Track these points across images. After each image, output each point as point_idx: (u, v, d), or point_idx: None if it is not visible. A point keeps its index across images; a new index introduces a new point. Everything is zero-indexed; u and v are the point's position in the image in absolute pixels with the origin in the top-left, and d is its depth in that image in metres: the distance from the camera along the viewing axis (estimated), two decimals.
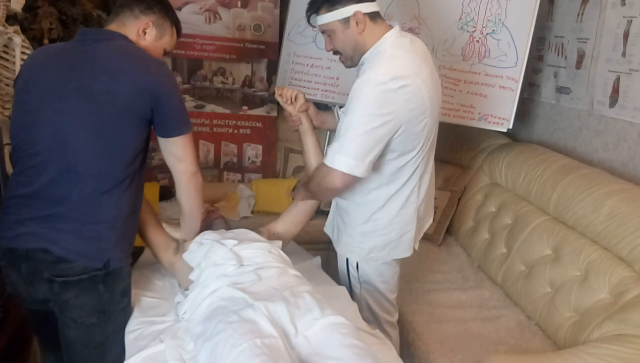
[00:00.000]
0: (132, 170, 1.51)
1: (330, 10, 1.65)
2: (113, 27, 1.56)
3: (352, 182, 1.64)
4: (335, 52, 1.75)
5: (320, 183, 1.67)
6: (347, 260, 1.89)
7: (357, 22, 1.63)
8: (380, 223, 1.78)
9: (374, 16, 1.66)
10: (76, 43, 1.51)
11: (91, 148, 1.44)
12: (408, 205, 1.78)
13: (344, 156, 1.57)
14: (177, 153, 1.57)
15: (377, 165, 1.68)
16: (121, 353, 1.55)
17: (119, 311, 1.57)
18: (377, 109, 1.55)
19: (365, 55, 1.67)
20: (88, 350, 1.56)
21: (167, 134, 1.54)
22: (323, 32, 1.72)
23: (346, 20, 1.63)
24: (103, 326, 1.55)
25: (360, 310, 1.85)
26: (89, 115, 1.43)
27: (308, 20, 1.76)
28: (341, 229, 1.88)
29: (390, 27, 1.69)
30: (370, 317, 1.92)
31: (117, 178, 1.48)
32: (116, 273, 1.52)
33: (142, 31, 1.58)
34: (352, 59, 1.71)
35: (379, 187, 1.74)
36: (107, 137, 1.45)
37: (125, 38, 1.54)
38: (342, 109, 1.72)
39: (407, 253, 1.85)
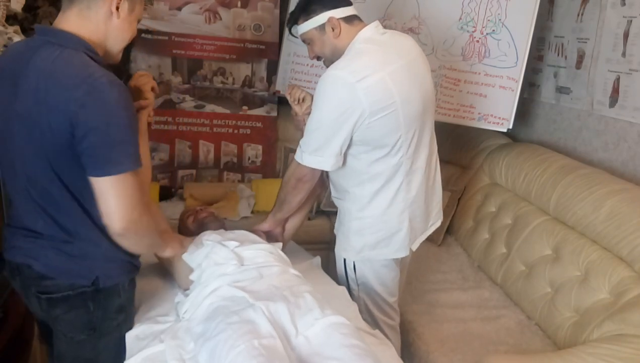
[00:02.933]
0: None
1: (307, 20, 1.71)
2: (73, 14, 1.31)
3: (319, 174, 1.76)
4: (319, 58, 1.81)
5: (291, 178, 1.77)
6: (344, 260, 1.89)
7: (332, 28, 1.69)
8: (368, 221, 1.79)
9: (350, 19, 1.71)
10: (29, 43, 1.33)
11: (37, 181, 1.31)
12: (396, 204, 1.77)
13: (310, 154, 1.67)
14: (96, 197, 1.25)
15: (352, 160, 1.72)
16: None
17: (113, 328, 1.48)
18: (336, 104, 1.60)
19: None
20: None
21: (88, 173, 1.24)
22: (304, 41, 1.79)
23: (322, 27, 1.70)
24: (94, 343, 1.46)
25: (360, 312, 1.84)
26: (30, 145, 1.28)
27: (290, 32, 1.82)
28: (338, 227, 1.91)
29: (363, 25, 1.72)
30: (369, 319, 1.90)
31: (81, 211, 1.33)
32: (109, 290, 1.42)
33: (114, 8, 1.33)
34: (332, 62, 1.72)
35: (361, 183, 1.75)
36: (51, 174, 1.29)
37: (73, 41, 1.29)
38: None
39: (401, 253, 1.83)
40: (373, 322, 1.92)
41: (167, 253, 1.66)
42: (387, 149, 1.69)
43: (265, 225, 1.95)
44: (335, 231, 1.96)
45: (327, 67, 1.76)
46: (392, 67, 1.64)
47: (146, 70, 3.00)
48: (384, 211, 1.77)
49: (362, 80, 1.57)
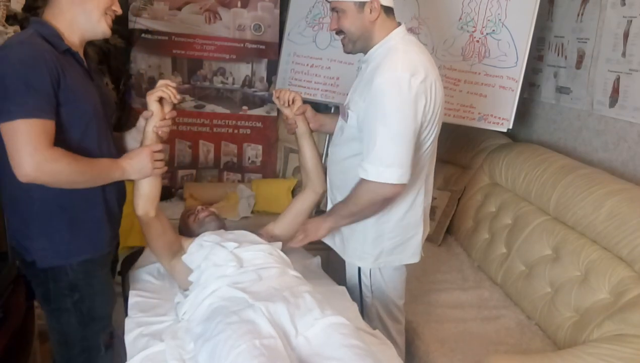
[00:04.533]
0: None
1: None
2: (47, 6, 1.46)
3: (402, 190, 1.63)
4: (338, 33, 1.71)
5: (367, 200, 1.64)
6: (359, 269, 1.85)
7: (371, 10, 1.62)
8: (387, 226, 1.76)
9: (388, 11, 1.67)
10: None
11: None
12: (415, 207, 1.76)
13: (390, 167, 1.56)
14: (5, 146, 1.33)
15: None
16: (90, 354, 1.55)
17: (70, 305, 1.51)
18: (407, 110, 1.55)
19: (373, 50, 1.67)
20: (53, 335, 1.57)
21: None
22: (333, 9, 1.68)
23: (362, 5, 1.62)
24: (56, 315, 1.53)
25: (371, 320, 1.84)
26: None
27: None
28: (347, 236, 1.84)
29: (397, 24, 1.71)
30: (380, 327, 1.86)
31: (7, 187, 1.43)
32: (54, 269, 1.48)
33: None
34: (354, 44, 1.69)
35: None
36: None
37: (36, 23, 1.44)
38: (353, 110, 1.68)
39: (415, 259, 1.83)
40: (383, 328, 1.87)
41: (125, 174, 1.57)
42: (419, 152, 1.67)
43: (322, 232, 1.79)
44: (332, 240, 1.91)
45: (345, 45, 1.72)
46: (436, 70, 1.64)
47: (146, 70, 3.01)
48: (403, 216, 1.75)
49: (422, 82, 1.56)
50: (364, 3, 1.61)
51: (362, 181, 1.62)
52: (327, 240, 1.94)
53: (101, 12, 1.46)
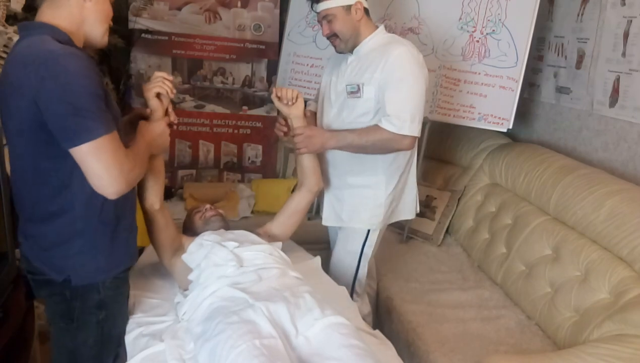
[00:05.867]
0: (56, 190, 1.33)
1: None
2: (45, 6, 1.33)
3: (414, 144, 1.90)
4: (330, 37, 1.90)
5: (382, 147, 1.84)
6: (367, 234, 2.02)
7: (356, 11, 1.84)
8: (399, 187, 2.01)
9: (367, 12, 1.91)
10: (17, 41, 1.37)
11: (15, 162, 1.36)
12: (413, 167, 2.06)
13: (413, 122, 1.81)
14: (81, 168, 1.26)
15: None
16: None
17: (93, 323, 1.44)
18: (421, 75, 1.83)
19: (364, 42, 1.89)
20: (60, 352, 1.49)
21: (63, 145, 1.24)
22: (324, 18, 1.87)
23: (348, 8, 1.84)
24: (73, 333, 1.44)
25: (361, 285, 2.07)
26: (7, 129, 1.34)
27: (311, 6, 1.90)
28: (359, 207, 2.01)
29: (376, 26, 1.94)
30: (370, 295, 2.16)
31: (53, 202, 1.33)
32: (85, 287, 1.40)
33: None
34: (347, 43, 1.90)
35: (399, 153, 1.92)
36: (22, 156, 1.33)
37: (46, 28, 1.31)
38: (369, 84, 1.86)
39: (412, 215, 2.12)
40: (368, 295, 2.12)
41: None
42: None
43: (319, 149, 1.90)
44: (337, 218, 2.05)
45: (337, 46, 1.92)
46: None
47: (146, 70, 3.01)
48: (408, 176, 2.03)
49: (423, 58, 1.89)
50: (350, 6, 1.83)
51: (384, 131, 1.81)
52: (328, 222, 2.10)
53: (107, 23, 1.42)
